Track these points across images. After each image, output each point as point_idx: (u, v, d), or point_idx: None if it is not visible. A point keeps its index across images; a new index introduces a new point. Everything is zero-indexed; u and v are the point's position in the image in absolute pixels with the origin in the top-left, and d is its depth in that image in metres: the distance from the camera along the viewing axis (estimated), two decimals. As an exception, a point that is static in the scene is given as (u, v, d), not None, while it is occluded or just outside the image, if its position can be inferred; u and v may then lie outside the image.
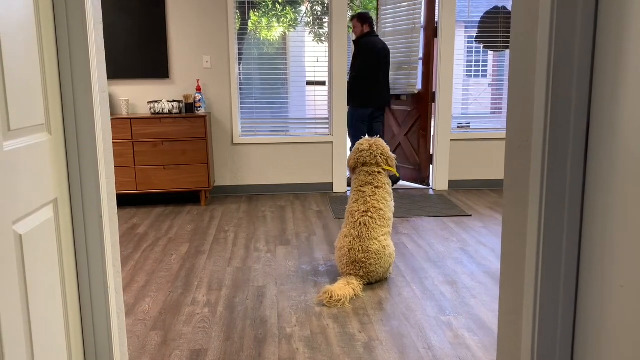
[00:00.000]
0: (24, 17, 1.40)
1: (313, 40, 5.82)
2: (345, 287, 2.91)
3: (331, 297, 2.83)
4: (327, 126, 5.60)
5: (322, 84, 5.58)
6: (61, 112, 1.64)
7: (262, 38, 5.58)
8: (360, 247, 3.05)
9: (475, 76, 6.12)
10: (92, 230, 1.71)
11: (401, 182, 6.01)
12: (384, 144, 3.35)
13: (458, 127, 5.73)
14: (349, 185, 5.56)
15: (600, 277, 1.22)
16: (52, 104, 1.57)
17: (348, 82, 5.46)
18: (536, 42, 1.35)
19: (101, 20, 1.74)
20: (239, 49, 5.38)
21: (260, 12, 5.57)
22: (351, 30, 5.89)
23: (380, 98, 5.61)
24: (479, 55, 5.93)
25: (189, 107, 5.04)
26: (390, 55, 5.65)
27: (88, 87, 1.64)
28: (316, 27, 5.88)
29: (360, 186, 3.22)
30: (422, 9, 5.60)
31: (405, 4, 5.75)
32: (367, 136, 3.46)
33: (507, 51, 5.64)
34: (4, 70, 1.29)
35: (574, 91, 1.27)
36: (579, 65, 1.26)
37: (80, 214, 1.70)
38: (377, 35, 5.68)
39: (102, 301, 1.76)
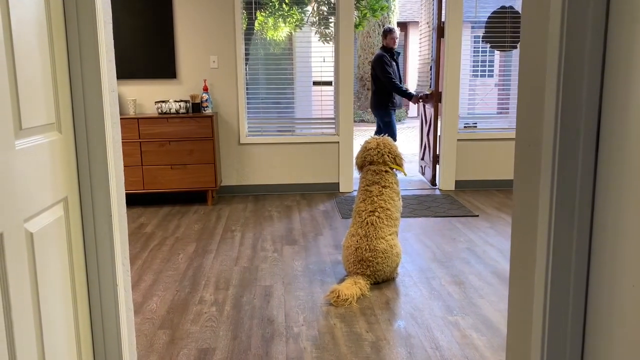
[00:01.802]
0: (35, 18, 1.41)
1: (319, 40, 5.83)
2: (352, 287, 2.91)
3: (338, 296, 2.84)
4: (334, 126, 5.60)
5: (329, 84, 5.59)
6: (71, 111, 1.65)
7: (268, 38, 5.58)
8: (367, 246, 3.05)
9: (482, 76, 6.10)
10: (102, 228, 1.72)
11: (409, 183, 6.00)
12: (392, 142, 3.34)
13: (465, 127, 5.72)
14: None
15: (611, 276, 1.22)
16: (62, 103, 1.58)
17: None
18: (546, 40, 1.35)
19: (111, 20, 1.75)
20: (246, 49, 5.39)
21: (267, 13, 5.57)
22: (393, 42, 6.39)
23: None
24: (485, 55, 5.91)
25: (196, 107, 5.06)
26: (420, 55, 6.06)
27: (98, 86, 1.65)
28: (322, 27, 5.88)
29: (368, 185, 3.22)
30: (434, 9, 5.61)
31: (430, 5, 5.80)
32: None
33: (514, 51, 5.62)
34: (15, 70, 1.30)
35: (584, 89, 1.27)
36: (590, 64, 1.26)
37: (90, 213, 1.70)
38: (381, 47, 6.16)
39: (111, 299, 1.76)
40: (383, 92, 5.97)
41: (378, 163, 3.25)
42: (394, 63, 6.26)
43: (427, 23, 5.78)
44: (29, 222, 1.36)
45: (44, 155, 1.45)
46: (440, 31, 5.52)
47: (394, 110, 6.39)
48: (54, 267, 1.50)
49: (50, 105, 1.51)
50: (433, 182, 5.84)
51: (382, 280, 3.12)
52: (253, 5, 5.38)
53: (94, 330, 1.78)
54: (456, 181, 5.65)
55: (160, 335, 2.54)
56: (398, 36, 6.32)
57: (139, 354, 2.37)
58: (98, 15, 1.62)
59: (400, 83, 6.24)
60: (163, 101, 4.98)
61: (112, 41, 1.77)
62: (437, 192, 5.59)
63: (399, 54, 6.36)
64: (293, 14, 5.68)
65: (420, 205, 4.96)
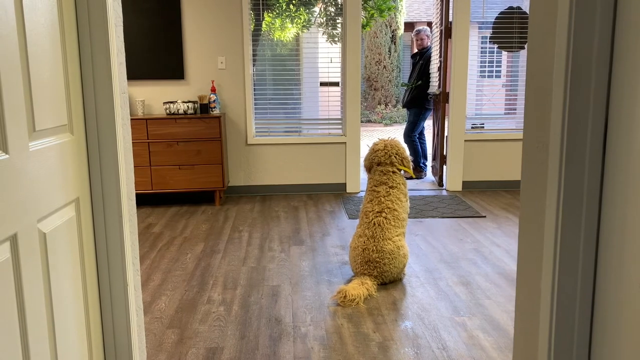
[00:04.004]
0: (48, 22, 1.44)
1: (326, 40, 5.84)
2: (359, 287, 2.92)
3: (345, 296, 2.85)
4: (340, 127, 5.61)
5: (336, 84, 5.60)
6: (83, 113, 1.67)
7: (275, 39, 5.60)
8: (374, 247, 3.06)
9: (489, 77, 6.10)
10: (112, 229, 1.74)
11: (416, 183, 6.00)
12: (399, 143, 3.35)
13: (472, 127, 5.71)
14: None
15: (618, 277, 1.23)
16: (74, 105, 1.61)
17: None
18: (554, 42, 1.35)
19: (121, 23, 1.78)
20: (253, 50, 5.41)
21: (274, 13, 5.59)
22: (420, 43, 6.57)
23: None
24: (493, 56, 5.91)
25: (204, 108, 5.09)
26: (432, 56, 6.16)
27: (109, 88, 1.67)
28: (330, 28, 5.90)
29: (375, 186, 3.23)
30: (441, 9, 5.62)
31: (439, 6, 5.80)
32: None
33: (522, 52, 5.61)
34: (29, 73, 1.32)
35: (592, 92, 1.28)
36: (597, 66, 1.26)
37: (100, 213, 1.73)
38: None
39: (121, 299, 1.79)
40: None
41: (385, 164, 3.26)
42: (418, 63, 6.33)
43: (435, 24, 5.79)
44: (42, 222, 1.38)
45: (56, 157, 1.47)
46: (447, 32, 5.52)
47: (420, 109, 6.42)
48: (66, 266, 1.53)
49: (62, 107, 1.53)
50: (440, 182, 5.84)
51: (389, 280, 3.13)
52: (260, 6, 5.40)
53: (104, 328, 1.80)
54: (463, 182, 5.65)
55: (169, 335, 2.57)
56: (424, 37, 6.38)
57: (148, 352, 2.39)
58: (109, 19, 1.64)
59: (415, 84, 6.28)
60: (171, 102, 5.01)
61: (123, 44, 1.79)
62: (444, 192, 5.59)
63: (419, 54, 6.40)
64: (300, 14, 5.70)
65: (427, 206, 4.96)
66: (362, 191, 5.59)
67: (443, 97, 5.66)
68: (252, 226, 4.40)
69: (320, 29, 5.78)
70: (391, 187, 3.20)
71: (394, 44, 15.40)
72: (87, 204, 1.69)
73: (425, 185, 5.99)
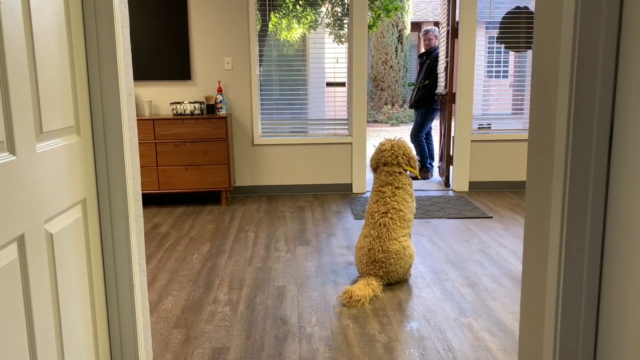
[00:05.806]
0: (55, 24, 1.45)
1: (333, 41, 5.85)
2: (365, 288, 2.92)
3: (351, 297, 2.85)
4: (347, 127, 5.61)
5: (342, 84, 5.60)
6: (89, 114, 1.68)
7: (282, 39, 5.61)
8: (380, 247, 3.05)
9: (496, 77, 6.08)
10: (119, 229, 1.75)
11: (422, 183, 5.99)
12: (406, 144, 3.35)
13: (479, 128, 5.70)
14: None
15: (623, 279, 1.22)
16: (81, 107, 1.62)
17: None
18: (559, 43, 1.35)
19: (128, 24, 1.79)
20: (260, 51, 5.42)
21: (281, 14, 5.60)
22: (427, 43, 6.61)
23: None
24: (500, 56, 5.89)
25: (210, 108, 5.10)
26: (440, 56, 6.15)
27: (115, 89, 1.68)
28: (336, 28, 5.90)
29: (381, 186, 3.23)
30: (448, 9, 5.61)
31: (446, 6, 5.79)
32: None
33: (529, 51, 5.59)
34: (37, 75, 1.33)
35: (597, 93, 1.27)
36: (603, 66, 1.26)
37: (107, 214, 1.74)
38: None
39: (127, 299, 1.80)
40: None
41: (392, 164, 3.26)
42: (425, 63, 6.33)
43: (442, 24, 5.78)
44: (49, 223, 1.39)
45: (63, 158, 1.48)
46: (454, 32, 5.50)
47: (429, 109, 6.38)
48: (73, 267, 1.54)
49: (69, 109, 1.54)
50: (447, 183, 5.82)
51: (395, 281, 3.13)
52: (267, 7, 5.41)
53: (110, 328, 1.81)
54: (470, 182, 5.63)
55: (175, 335, 2.58)
56: (432, 37, 6.38)
57: (154, 352, 2.40)
58: (116, 21, 1.65)
59: (422, 84, 6.28)
60: (178, 102, 5.03)
61: (130, 45, 1.80)
62: (451, 193, 5.58)
63: (426, 54, 6.42)
64: (307, 15, 5.70)
65: (433, 207, 4.95)
66: (368, 191, 5.59)
67: (450, 97, 5.65)
68: (258, 226, 4.41)
69: (326, 29, 5.78)
70: (397, 188, 3.20)
71: (401, 43, 15.37)
72: (93, 204, 1.70)
73: (431, 185, 5.98)
